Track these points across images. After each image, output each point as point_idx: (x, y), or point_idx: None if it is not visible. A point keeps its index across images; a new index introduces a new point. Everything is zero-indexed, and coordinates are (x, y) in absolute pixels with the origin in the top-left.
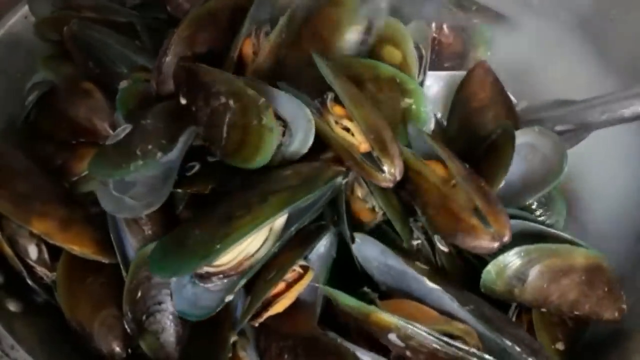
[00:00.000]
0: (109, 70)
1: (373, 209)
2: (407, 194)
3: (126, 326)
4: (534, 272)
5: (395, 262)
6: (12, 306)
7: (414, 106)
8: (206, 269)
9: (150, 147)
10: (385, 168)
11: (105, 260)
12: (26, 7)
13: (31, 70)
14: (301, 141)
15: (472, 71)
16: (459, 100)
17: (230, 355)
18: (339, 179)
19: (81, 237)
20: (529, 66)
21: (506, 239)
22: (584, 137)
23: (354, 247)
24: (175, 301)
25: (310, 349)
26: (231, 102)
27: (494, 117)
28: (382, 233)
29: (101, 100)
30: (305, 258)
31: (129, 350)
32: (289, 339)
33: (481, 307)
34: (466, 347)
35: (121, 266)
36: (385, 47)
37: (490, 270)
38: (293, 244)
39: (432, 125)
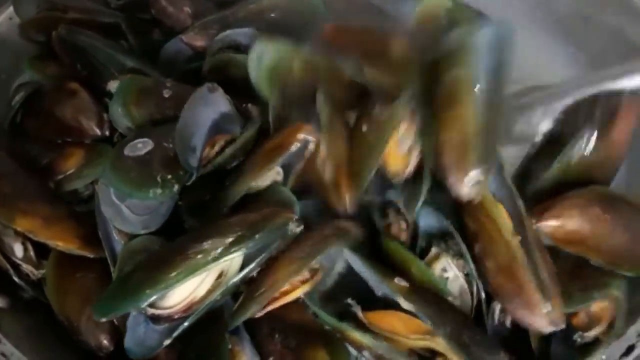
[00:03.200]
0: (97, 71)
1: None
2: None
3: (114, 319)
4: None
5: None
6: None
7: None
8: (152, 311)
9: (169, 177)
10: None
11: (90, 255)
12: (11, 9)
13: (17, 71)
14: None
15: None
16: None
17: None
18: (292, 226)
19: (65, 234)
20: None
21: (562, 327)
22: None
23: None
24: (126, 337)
25: (300, 330)
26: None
27: None
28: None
29: (87, 100)
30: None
31: None
32: (280, 320)
33: (460, 329)
34: None
35: (108, 260)
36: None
37: None
38: (308, 244)
39: None
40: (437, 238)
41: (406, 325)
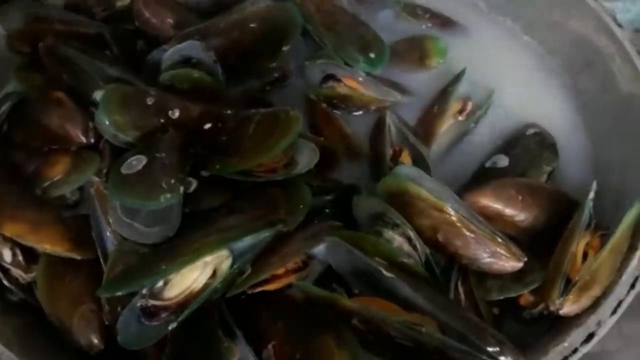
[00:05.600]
0: (83, 81)
1: None
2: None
3: (104, 318)
4: None
5: (361, 262)
6: None
7: None
8: (152, 302)
9: (173, 181)
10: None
11: (78, 257)
12: None
13: (2, 82)
14: (306, 163)
15: None
16: None
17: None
18: (280, 226)
19: (53, 237)
20: (481, 72)
21: (525, 259)
22: None
23: (327, 254)
24: (119, 336)
25: (306, 318)
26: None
27: None
28: None
29: (73, 109)
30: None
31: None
32: (282, 309)
33: (433, 294)
34: (419, 327)
35: (101, 259)
36: None
37: None
38: (303, 236)
39: None
40: (373, 219)
41: (386, 308)
